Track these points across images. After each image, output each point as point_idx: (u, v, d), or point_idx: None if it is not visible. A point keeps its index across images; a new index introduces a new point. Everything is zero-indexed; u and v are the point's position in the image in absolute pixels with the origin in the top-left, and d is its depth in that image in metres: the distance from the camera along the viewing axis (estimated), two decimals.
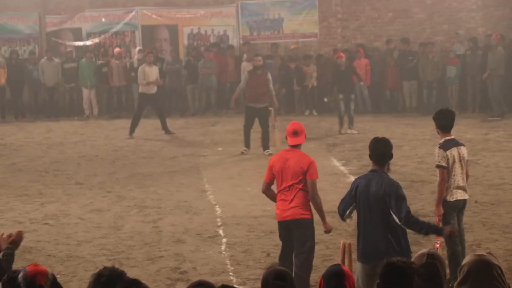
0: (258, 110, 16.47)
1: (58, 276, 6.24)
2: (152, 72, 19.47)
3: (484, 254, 4.81)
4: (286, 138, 8.66)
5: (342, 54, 19.63)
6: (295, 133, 8.51)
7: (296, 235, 8.40)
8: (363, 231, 7.34)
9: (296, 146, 8.53)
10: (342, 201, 7.53)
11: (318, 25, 24.01)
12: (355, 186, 7.38)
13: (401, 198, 7.18)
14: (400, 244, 7.20)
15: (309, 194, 8.37)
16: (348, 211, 7.44)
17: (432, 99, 22.01)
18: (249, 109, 16.61)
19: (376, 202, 7.20)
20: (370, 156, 7.44)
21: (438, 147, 8.75)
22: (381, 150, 7.35)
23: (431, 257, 4.79)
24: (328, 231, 8.62)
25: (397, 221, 7.11)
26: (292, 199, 8.35)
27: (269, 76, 16.75)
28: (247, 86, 16.56)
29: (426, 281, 4.72)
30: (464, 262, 4.78)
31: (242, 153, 16.63)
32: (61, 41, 24.44)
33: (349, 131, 18.87)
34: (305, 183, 8.35)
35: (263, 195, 8.91)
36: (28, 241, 10.69)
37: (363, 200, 7.27)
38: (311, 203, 8.44)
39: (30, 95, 23.80)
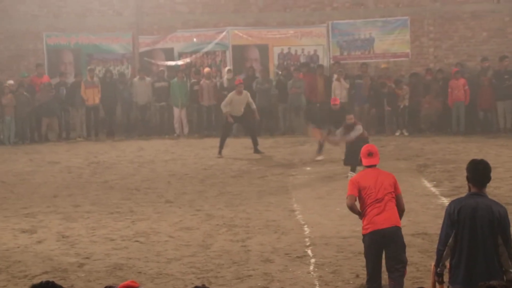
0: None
1: None
2: (241, 101, 19.48)
3: None
4: (361, 161, 8.90)
5: (337, 102, 18.28)
6: (370, 154, 8.82)
7: (391, 245, 8.45)
8: (467, 255, 7.05)
9: (371, 167, 8.76)
10: (443, 227, 7.20)
11: (410, 45, 23.75)
12: (456, 209, 7.08)
13: (510, 224, 7.02)
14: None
15: (400, 207, 8.64)
16: (452, 236, 7.09)
17: None
18: None
19: (486, 226, 6.96)
20: (469, 179, 7.20)
21: None
22: (481, 172, 7.14)
23: None
24: None
25: (503, 247, 6.94)
26: (385, 209, 8.48)
27: (357, 128, 16.29)
28: None
29: None
30: None
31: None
32: (153, 61, 24.87)
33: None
34: (393, 196, 8.58)
35: (352, 215, 8.90)
36: (119, 258, 10.88)
37: (469, 223, 7.01)
38: None
39: (122, 114, 24.26)
